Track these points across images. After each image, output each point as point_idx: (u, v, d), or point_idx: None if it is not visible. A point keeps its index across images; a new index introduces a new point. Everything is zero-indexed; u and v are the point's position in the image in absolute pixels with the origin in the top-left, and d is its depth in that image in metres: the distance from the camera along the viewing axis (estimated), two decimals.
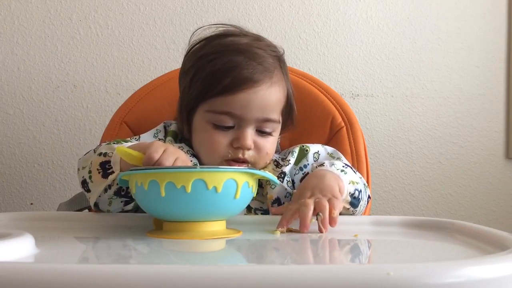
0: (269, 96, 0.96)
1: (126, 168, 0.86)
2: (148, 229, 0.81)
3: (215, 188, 0.71)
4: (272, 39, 1.59)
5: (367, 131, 1.60)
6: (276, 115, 0.98)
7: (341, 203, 0.83)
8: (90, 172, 0.89)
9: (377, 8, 1.61)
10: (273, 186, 0.97)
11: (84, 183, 0.90)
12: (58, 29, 1.54)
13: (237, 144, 0.95)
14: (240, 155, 0.95)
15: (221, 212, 0.76)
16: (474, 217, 1.64)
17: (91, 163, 0.89)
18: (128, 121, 1.19)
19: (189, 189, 0.71)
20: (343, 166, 0.93)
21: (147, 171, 0.74)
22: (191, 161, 0.96)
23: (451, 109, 1.64)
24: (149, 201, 0.75)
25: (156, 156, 0.77)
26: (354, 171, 0.96)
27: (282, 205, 0.96)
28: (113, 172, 0.86)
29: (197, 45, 1.02)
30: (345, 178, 0.90)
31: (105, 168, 0.87)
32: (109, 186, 0.88)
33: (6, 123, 1.54)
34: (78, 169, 0.93)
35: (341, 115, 1.18)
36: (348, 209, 0.91)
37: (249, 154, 0.96)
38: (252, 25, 1.56)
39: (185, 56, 1.04)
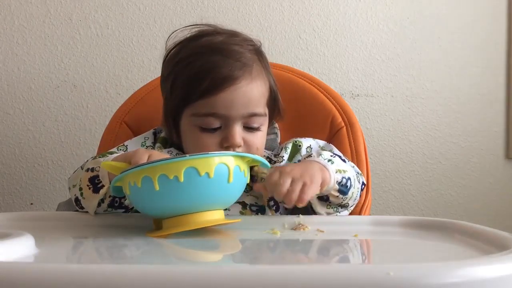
0: (251, 91, 0.95)
1: None
2: (148, 229, 0.81)
3: (207, 174, 0.72)
4: (272, 39, 1.61)
5: (367, 131, 1.60)
6: (261, 108, 0.98)
7: (315, 189, 0.83)
8: (81, 189, 0.89)
9: (377, 8, 1.61)
10: None
11: (76, 201, 0.91)
12: (58, 29, 1.54)
13: (226, 143, 0.95)
14: None
15: (217, 199, 0.76)
16: (474, 217, 1.63)
17: (80, 180, 0.90)
18: (128, 121, 1.19)
19: (182, 178, 0.71)
20: (330, 156, 0.93)
21: (138, 168, 0.73)
22: None
23: (451, 109, 1.64)
24: (145, 199, 0.75)
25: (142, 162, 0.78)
26: (343, 160, 0.96)
27: (277, 201, 0.96)
28: (103, 186, 0.86)
29: (173, 50, 1.02)
30: (331, 168, 0.89)
31: (95, 183, 0.88)
32: (102, 200, 0.89)
33: (6, 123, 1.54)
34: (69, 188, 0.94)
35: (341, 115, 1.18)
36: (337, 196, 0.91)
37: (240, 151, 0.96)
38: (252, 25, 1.56)
39: (163, 62, 1.04)
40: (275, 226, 0.82)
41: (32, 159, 1.54)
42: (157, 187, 0.71)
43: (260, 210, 0.98)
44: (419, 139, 1.63)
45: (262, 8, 1.58)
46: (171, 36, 1.03)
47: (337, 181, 0.90)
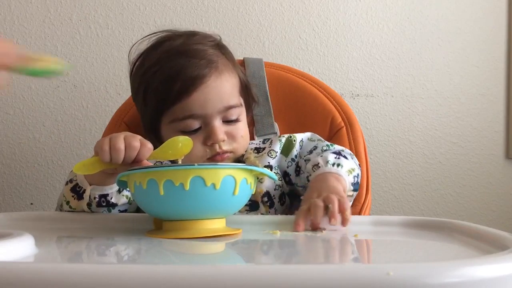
0: (222, 86, 0.97)
1: (94, 181, 0.88)
2: (148, 229, 0.81)
3: (214, 185, 0.72)
4: (272, 39, 1.61)
5: (367, 131, 1.60)
6: (236, 99, 1.00)
7: (349, 202, 0.83)
8: (68, 202, 0.91)
9: (377, 8, 1.61)
10: (262, 180, 0.98)
11: None
12: (58, 29, 1.54)
13: (210, 141, 0.96)
14: (218, 150, 0.96)
15: (221, 209, 0.76)
16: (474, 217, 1.63)
17: (64, 196, 0.92)
18: (128, 121, 1.19)
19: (187, 187, 0.71)
20: (335, 158, 0.93)
21: (145, 170, 0.74)
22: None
23: (451, 109, 1.64)
24: (148, 200, 0.75)
25: (106, 147, 0.79)
26: (345, 156, 0.95)
27: (271, 198, 0.98)
28: (85, 190, 0.89)
29: (137, 62, 1.03)
30: (344, 173, 0.91)
31: (77, 191, 0.90)
32: (90, 204, 0.90)
33: (6, 123, 1.54)
34: (60, 209, 0.95)
35: (341, 115, 1.18)
36: (352, 195, 0.94)
37: (226, 146, 0.97)
38: (252, 25, 1.56)
39: (130, 76, 1.05)
40: (275, 226, 0.82)
41: (32, 159, 1.54)
42: (161, 192, 0.72)
43: (252, 205, 0.98)
44: (419, 139, 1.63)
45: (262, 8, 1.58)
46: (132, 50, 1.05)
47: (351, 183, 0.92)
